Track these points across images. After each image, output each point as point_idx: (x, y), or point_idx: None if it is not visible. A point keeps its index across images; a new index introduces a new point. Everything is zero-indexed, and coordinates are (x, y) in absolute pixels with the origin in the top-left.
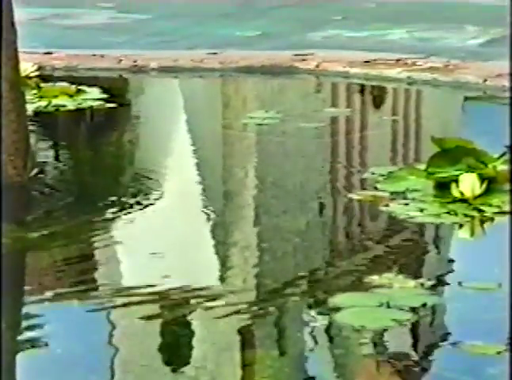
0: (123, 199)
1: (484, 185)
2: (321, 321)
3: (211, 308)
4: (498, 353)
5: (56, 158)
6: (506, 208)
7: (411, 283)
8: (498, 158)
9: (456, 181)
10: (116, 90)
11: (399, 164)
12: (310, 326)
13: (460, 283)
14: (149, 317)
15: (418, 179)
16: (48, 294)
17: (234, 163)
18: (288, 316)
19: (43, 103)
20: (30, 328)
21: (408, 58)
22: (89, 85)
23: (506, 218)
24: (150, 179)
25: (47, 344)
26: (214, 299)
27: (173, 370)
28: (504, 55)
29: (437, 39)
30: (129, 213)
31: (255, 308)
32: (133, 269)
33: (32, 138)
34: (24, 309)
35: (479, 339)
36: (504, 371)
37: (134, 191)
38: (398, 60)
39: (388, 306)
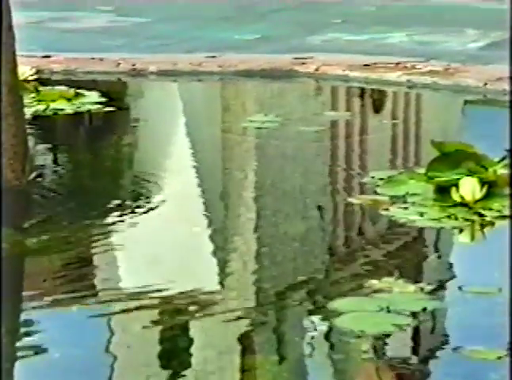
0: (122, 203)
1: (484, 189)
2: (320, 326)
3: (210, 313)
4: (499, 358)
5: (55, 162)
6: (507, 212)
7: (411, 287)
8: (499, 162)
9: (457, 185)
10: (114, 94)
11: (398, 168)
12: (309, 331)
13: (460, 288)
14: (148, 323)
15: (418, 183)
16: (47, 299)
17: (234, 167)
18: (288, 321)
19: (42, 107)
20: (28, 333)
21: (408, 61)
22: (88, 89)
23: (507, 222)
24: (150, 182)
25: (45, 349)
26: (213, 304)
27: (173, 376)
28: (504, 58)
29: (437, 42)
30: (129, 217)
31: (254, 313)
32: (132, 275)
33: (31, 142)
34: (22, 315)
35: (479, 344)
36: (505, 376)
37: (133, 195)
38: (398, 64)
39: (388, 311)
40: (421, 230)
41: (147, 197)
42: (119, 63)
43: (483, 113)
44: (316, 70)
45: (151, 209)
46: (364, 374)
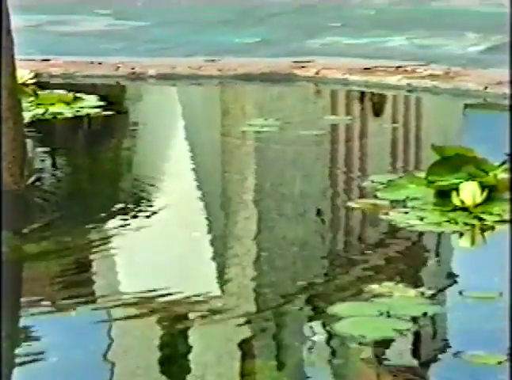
0: (121, 207)
1: (485, 194)
2: (320, 331)
3: (210, 318)
4: (500, 363)
5: (53, 166)
6: (507, 217)
7: (412, 292)
8: (499, 166)
9: (457, 189)
10: (113, 98)
11: (398, 172)
12: (309, 336)
13: (460, 292)
14: (148, 328)
15: (418, 187)
16: (45, 304)
17: (233, 171)
18: (288, 325)
19: (41, 110)
20: (26, 339)
21: (408, 65)
22: (87, 93)
23: (507, 226)
24: (149, 187)
25: (43, 354)
26: (213, 309)
27: None
28: (505, 62)
29: (437, 46)
30: (128, 222)
31: (254, 318)
32: (132, 280)
33: (29, 146)
34: (21, 320)
35: (480, 348)
36: None
37: (133, 199)
38: (398, 67)
39: (388, 316)
40: (421, 235)
41: (147, 202)
42: (118, 67)
43: (483, 117)
44: (316, 73)
45: (151, 214)
46: (364, 379)
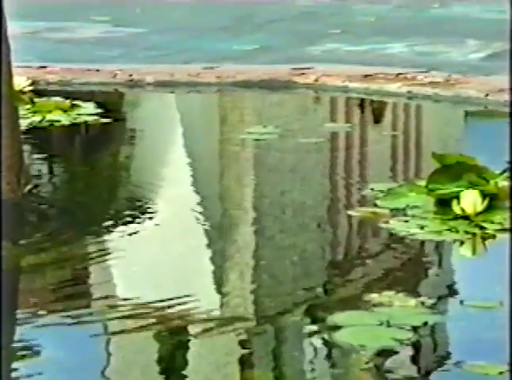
0: (119, 217)
1: (486, 202)
2: (320, 340)
3: (208, 327)
4: (501, 373)
5: (50, 174)
6: (508, 225)
7: (412, 301)
8: (500, 174)
9: (458, 198)
10: (111, 105)
11: (399, 180)
12: (308, 345)
13: (461, 302)
14: (145, 336)
15: (419, 195)
16: (41, 313)
17: (232, 179)
18: (287, 335)
19: (37, 118)
20: (21, 350)
21: (408, 72)
22: (84, 100)
23: (508, 235)
24: (147, 195)
25: (38, 367)
26: (211, 318)
27: None
28: (506, 69)
29: (437, 53)
30: (126, 232)
31: (253, 326)
32: (129, 291)
33: (26, 154)
34: (17, 331)
35: (480, 358)
36: None
37: (131, 208)
38: (398, 74)
39: (388, 325)
40: (421, 243)
41: (144, 210)
42: (115, 74)
43: (484, 125)
44: (315, 80)
45: (149, 222)
46: None
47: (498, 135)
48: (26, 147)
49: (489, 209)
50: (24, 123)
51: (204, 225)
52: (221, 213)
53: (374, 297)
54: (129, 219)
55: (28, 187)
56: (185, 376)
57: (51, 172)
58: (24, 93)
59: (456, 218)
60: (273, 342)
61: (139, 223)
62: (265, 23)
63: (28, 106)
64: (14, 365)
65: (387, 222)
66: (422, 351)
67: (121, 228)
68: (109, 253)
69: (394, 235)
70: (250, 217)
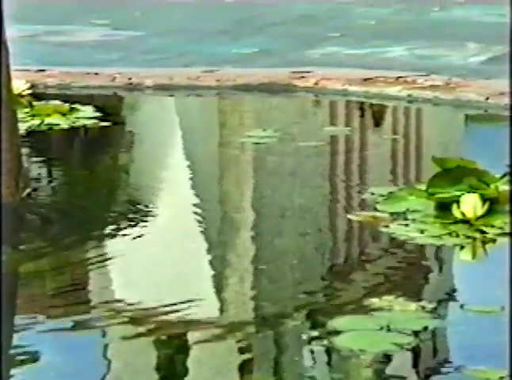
0: (119, 221)
1: (486, 206)
2: (320, 345)
3: (207, 332)
4: (501, 378)
5: (49, 178)
6: (509, 229)
7: (412, 305)
8: (501, 178)
9: (458, 202)
10: (110, 108)
11: (399, 184)
12: (308, 350)
13: (462, 306)
14: (144, 341)
15: (419, 199)
16: (40, 318)
17: (231, 183)
18: (286, 339)
19: (36, 122)
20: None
21: (408, 75)
22: (83, 104)
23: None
24: (147, 199)
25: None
26: (211, 323)
27: None
28: (506, 72)
29: (437, 56)
30: (125, 236)
31: (252, 331)
32: (129, 296)
33: (25, 158)
34: (17, 335)
35: (481, 363)
36: None
37: (130, 212)
38: (398, 78)
39: (389, 330)
40: (421, 247)
41: (144, 214)
42: (114, 77)
43: (484, 128)
44: (315, 84)
45: (148, 226)
46: None
47: (499, 139)
48: (25, 151)
49: (489, 213)
50: (22, 127)
51: (203, 228)
52: (221, 216)
53: (374, 301)
54: (128, 223)
55: (27, 190)
56: (181, 377)
57: (50, 175)
58: (22, 96)
59: (457, 222)
60: (273, 347)
61: (138, 227)
62: (264, 26)
63: (27, 109)
64: (13, 371)
65: (387, 226)
66: (422, 355)
67: (121, 232)
68: (108, 258)
69: (394, 239)
70: (249, 221)
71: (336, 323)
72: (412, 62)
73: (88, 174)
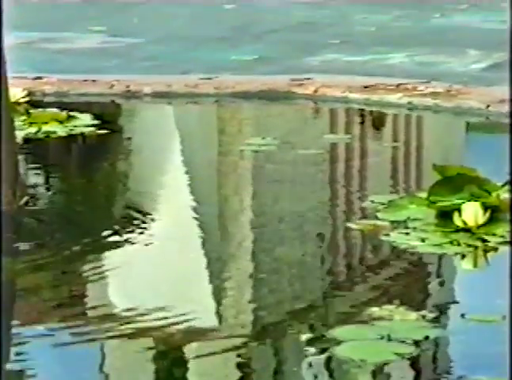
0: (116, 231)
1: (487, 214)
2: (320, 355)
3: (207, 342)
4: None
5: (46, 186)
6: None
7: (413, 315)
8: (502, 186)
9: (459, 210)
10: (108, 116)
11: (399, 192)
12: (309, 360)
13: (463, 315)
14: (142, 352)
15: (420, 207)
16: (38, 327)
17: (230, 191)
18: (287, 349)
19: (33, 129)
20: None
21: (409, 83)
22: (81, 111)
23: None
24: (144, 208)
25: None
26: (210, 332)
27: None
28: (507, 79)
29: (438, 63)
30: (123, 245)
31: (252, 341)
32: (126, 304)
33: (22, 166)
34: (14, 347)
35: (482, 373)
36: None
37: (127, 221)
38: (398, 85)
39: (389, 339)
40: (422, 256)
41: (142, 222)
42: (112, 85)
43: (485, 136)
44: (315, 91)
45: (147, 234)
46: None
47: (500, 146)
48: (22, 159)
49: (491, 221)
50: (19, 135)
51: (202, 237)
52: (219, 225)
53: (375, 310)
54: (126, 232)
55: (24, 199)
56: None
57: (47, 184)
58: (19, 104)
59: (458, 230)
60: (272, 357)
61: (136, 236)
62: (263, 33)
63: (24, 117)
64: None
65: (387, 235)
66: (423, 365)
67: (119, 241)
68: (106, 267)
69: (395, 248)
70: (248, 229)
71: (336, 333)
72: (413, 69)
73: (85, 182)
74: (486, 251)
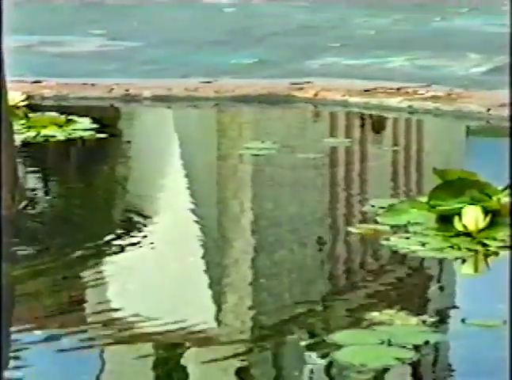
0: (115, 235)
1: (488, 218)
2: (320, 360)
3: (206, 347)
4: None
5: (45, 191)
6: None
7: (413, 319)
8: (503, 191)
9: (459, 214)
10: (107, 120)
11: (400, 196)
12: (309, 365)
13: (463, 320)
14: (141, 358)
15: (420, 212)
16: (37, 333)
17: (230, 195)
18: (286, 354)
19: (32, 133)
20: (16, 367)
21: (409, 86)
22: (80, 115)
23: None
24: (144, 212)
25: None
26: (209, 338)
27: None
28: (508, 83)
29: (438, 67)
30: (122, 249)
31: (252, 346)
32: (124, 310)
33: (21, 170)
34: (12, 353)
35: (483, 378)
36: None
37: (126, 225)
38: (399, 89)
39: (390, 344)
40: (423, 261)
41: (141, 226)
42: (112, 89)
43: (486, 140)
44: (315, 95)
45: (146, 239)
46: None
47: (500, 150)
48: (20, 163)
49: (491, 225)
50: (18, 139)
51: (202, 241)
52: (219, 229)
53: (375, 315)
54: (126, 236)
55: (23, 203)
56: None
57: (46, 187)
58: (18, 108)
59: (458, 234)
60: (272, 361)
61: (135, 240)
62: (263, 36)
63: (23, 121)
64: None
65: (387, 239)
66: (423, 370)
67: (119, 245)
68: (106, 272)
69: (395, 252)
70: (248, 233)
71: (337, 337)
72: (413, 73)
73: (84, 186)
74: (486, 255)
